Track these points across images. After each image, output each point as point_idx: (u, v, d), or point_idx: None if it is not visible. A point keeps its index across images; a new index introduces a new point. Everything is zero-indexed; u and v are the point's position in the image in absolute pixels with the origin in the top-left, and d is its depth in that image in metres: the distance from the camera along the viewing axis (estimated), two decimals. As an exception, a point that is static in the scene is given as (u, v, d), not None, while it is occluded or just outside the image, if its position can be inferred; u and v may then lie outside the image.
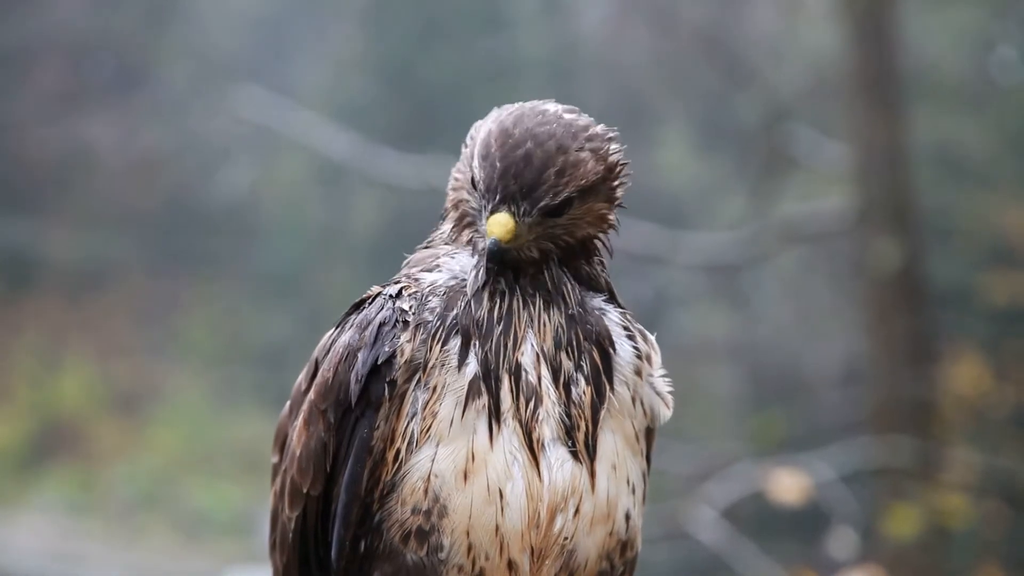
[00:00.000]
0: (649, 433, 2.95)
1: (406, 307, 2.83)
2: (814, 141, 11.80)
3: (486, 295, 2.83)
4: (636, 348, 2.91)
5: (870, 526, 9.92)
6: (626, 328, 2.92)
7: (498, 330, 2.81)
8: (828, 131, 12.10)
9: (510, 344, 2.80)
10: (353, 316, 2.90)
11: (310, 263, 19.14)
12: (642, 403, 2.91)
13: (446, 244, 2.95)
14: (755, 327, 15.19)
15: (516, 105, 2.91)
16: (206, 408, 18.74)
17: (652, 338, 2.97)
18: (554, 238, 2.87)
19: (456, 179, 2.97)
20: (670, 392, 2.96)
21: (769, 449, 11.72)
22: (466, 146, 2.94)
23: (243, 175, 18.31)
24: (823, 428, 12.27)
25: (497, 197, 2.79)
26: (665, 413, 2.96)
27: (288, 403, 3.03)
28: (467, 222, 2.93)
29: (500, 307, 2.83)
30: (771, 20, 15.28)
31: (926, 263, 10.91)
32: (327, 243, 19.07)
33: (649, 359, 2.93)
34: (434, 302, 2.84)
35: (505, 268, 2.84)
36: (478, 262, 2.86)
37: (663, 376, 2.96)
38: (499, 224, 2.80)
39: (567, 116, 2.86)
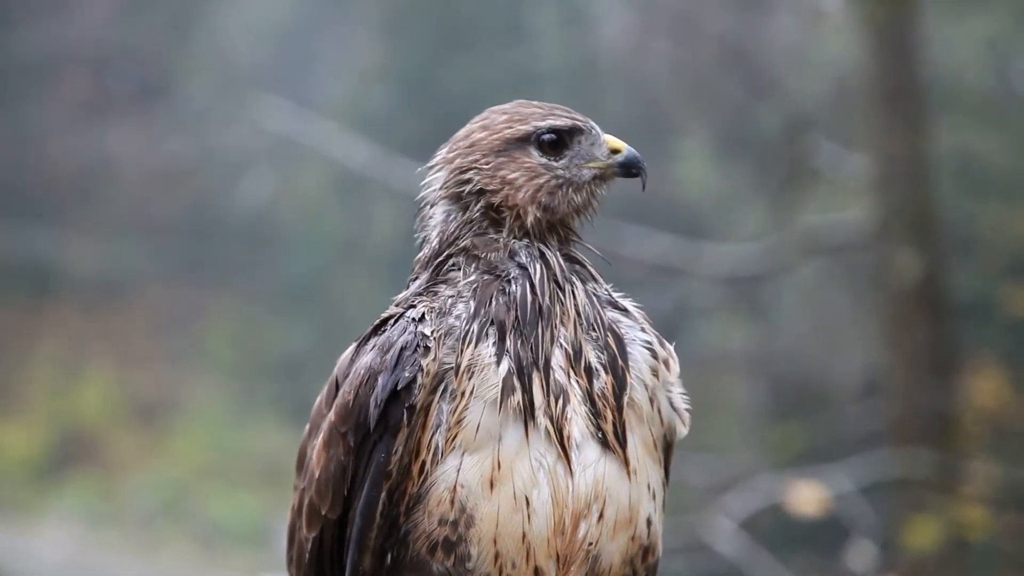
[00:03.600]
0: (668, 446, 2.96)
1: (428, 332, 2.82)
2: (835, 152, 11.76)
3: (531, 282, 2.86)
4: (650, 347, 2.92)
5: (889, 538, 9.88)
6: (640, 327, 2.95)
7: (536, 324, 2.82)
8: (849, 142, 12.06)
9: (545, 339, 2.81)
10: (375, 337, 2.90)
11: (330, 273, 19.15)
12: (659, 409, 2.92)
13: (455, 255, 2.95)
14: (775, 339, 15.14)
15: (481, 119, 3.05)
16: (225, 418, 18.75)
17: (670, 346, 2.98)
18: None
19: (467, 178, 2.96)
20: (687, 409, 2.98)
21: (788, 461, 11.68)
22: (451, 163, 3.00)
23: (264, 185, 18.33)
24: (843, 440, 12.21)
25: (591, 123, 3.01)
26: (682, 430, 2.97)
27: (308, 425, 3.02)
28: (487, 218, 2.95)
29: (541, 294, 2.85)
30: (792, 31, 15.24)
31: (947, 275, 10.87)
32: (347, 253, 19.07)
33: (667, 364, 2.95)
34: (460, 307, 2.84)
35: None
36: (529, 253, 2.91)
37: (681, 393, 2.98)
38: (617, 139, 3.04)
39: None
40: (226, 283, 19.24)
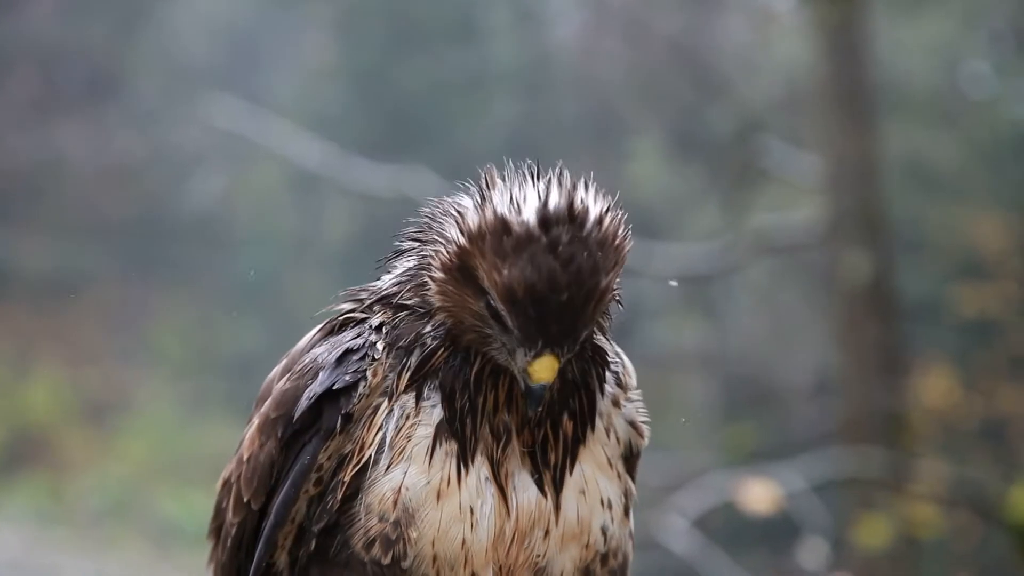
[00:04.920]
0: (629, 457, 2.93)
1: (381, 347, 2.79)
2: (786, 153, 11.83)
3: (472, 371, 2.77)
4: (618, 379, 2.90)
5: (840, 536, 9.95)
6: (612, 361, 2.90)
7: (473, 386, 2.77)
8: (800, 143, 12.14)
9: (486, 392, 2.77)
10: (332, 335, 2.87)
11: (282, 272, 19.09)
12: (616, 435, 2.90)
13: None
14: (727, 338, 15.21)
15: (531, 211, 2.61)
16: (176, 417, 18.67)
17: (629, 364, 2.94)
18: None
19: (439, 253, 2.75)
20: (645, 421, 2.95)
21: (740, 459, 11.73)
22: (453, 224, 2.71)
23: (215, 184, 18.26)
24: (794, 438, 12.29)
25: (540, 343, 2.62)
26: (641, 444, 2.94)
27: (261, 391, 3.00)
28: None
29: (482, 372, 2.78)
30: (744, 33, 15.33)
31: (896, 275, 10.95)
32: (299, 252, 19.03)
33: (626, 387, 2.92)
34: (407, 340, 2.79)
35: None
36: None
37: (638, 406, 2.94)
38: (547, 368, 2.65)
39: (590, 234, 2.60)
40: (177, 281, 19.15)
